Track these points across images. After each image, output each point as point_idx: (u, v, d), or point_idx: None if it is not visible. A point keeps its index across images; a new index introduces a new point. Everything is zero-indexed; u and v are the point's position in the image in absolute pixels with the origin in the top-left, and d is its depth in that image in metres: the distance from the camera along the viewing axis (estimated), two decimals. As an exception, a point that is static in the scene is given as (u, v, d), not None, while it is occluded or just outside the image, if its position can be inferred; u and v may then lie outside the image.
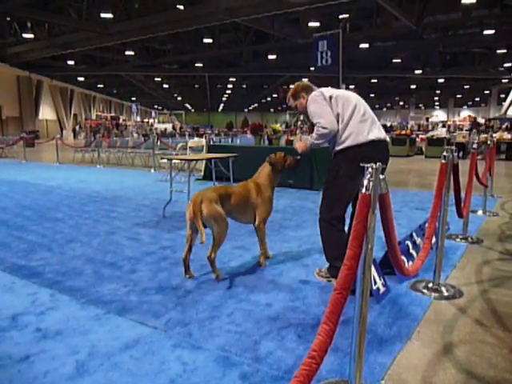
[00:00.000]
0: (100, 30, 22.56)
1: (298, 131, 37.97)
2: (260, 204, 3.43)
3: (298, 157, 3.60)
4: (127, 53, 28.96)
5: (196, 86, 47.71)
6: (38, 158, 16.60)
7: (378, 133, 3.05)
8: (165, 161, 8.58)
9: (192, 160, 5.20)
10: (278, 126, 8.68)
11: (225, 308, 2.73)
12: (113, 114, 51.67)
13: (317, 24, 19.91)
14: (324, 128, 2.97)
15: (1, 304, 2.82)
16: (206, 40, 25.86)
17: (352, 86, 35.29)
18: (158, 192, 7.46)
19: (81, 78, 39.57)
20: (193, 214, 3.07)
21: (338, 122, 3.01)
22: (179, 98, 57.53)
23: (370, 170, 1.70)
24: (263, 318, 2.59)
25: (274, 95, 50.33)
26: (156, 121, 45.34)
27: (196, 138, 11.62)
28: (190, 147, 8.74)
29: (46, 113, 38.21)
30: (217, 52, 28.59)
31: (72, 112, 42.18)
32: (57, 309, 2.75)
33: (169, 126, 39.80)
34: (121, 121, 47.84)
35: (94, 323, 2.55)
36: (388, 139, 3.18)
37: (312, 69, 9.75)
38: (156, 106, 64.36)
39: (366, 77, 36.03)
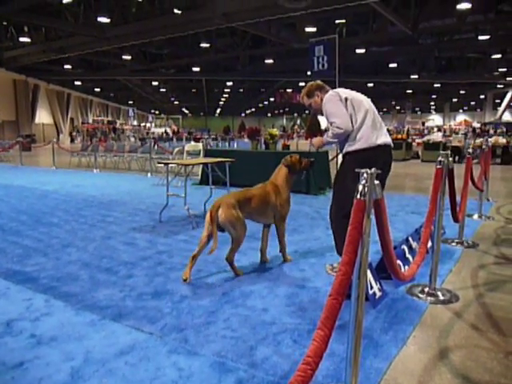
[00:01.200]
0: (97, 34, 22.58)
1: (294, 135, 38.08)
2: (279, 204, 3.60)
3: (312, 159, 3.81)
4: (124, 57, 28.99)
5: (193, 90, 47.77)
6: (34, 162, 16.56)
7: (384, 138, 3.25)
8: (161, 165, 8.58)
9: (188, 165, 5.19)
10: (274, 131, 8.69)
11: (221, 313, 2.72)
12: (110, 118, 51.62)
13: (313, 29, 20.02)
14: (339, 128, 3.14)
15: (-5, 310, 2.81)
16: (202, 44, 25.94)
17: (348, 91, 35.39)
18: (154, 196, 7.45)
19: (78, 82, 39.54)
20: (210, 219, 3.23)
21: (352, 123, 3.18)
22: (176, 102, 57.56)
23: (364, 175, 1.70)
24: (259, 323, 2.59)
25: (271, 99, 50.44)
26: (153, 125, 45.34)
27: (193, 143, 11.62)
28: (186, 151, 8.73)
29: (43, 117, 38.13)
30: (214, 56, 28.67)
31: (69, 116, 42.12)
32: (52, 315, 2.73)
33: (167, 130, 39.77)
34: (118, 125, 47.80)
35: (89, 329, 2.53)
36: (392, 144, 3.35)
37: (309, 73, 9.79)
38: (153, 110, 64.37)
39: (363, 81, 36.22)
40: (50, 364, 2.16)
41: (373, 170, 1.71)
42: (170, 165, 5.75)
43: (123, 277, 3.41)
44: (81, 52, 26.26)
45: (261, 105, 59.60)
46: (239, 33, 25.18)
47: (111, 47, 25.08)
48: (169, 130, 43.14)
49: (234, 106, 61.44)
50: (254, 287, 3.15)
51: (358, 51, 24.61)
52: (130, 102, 54.00)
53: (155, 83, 42.92)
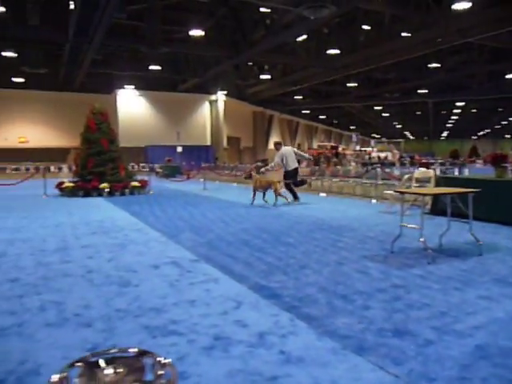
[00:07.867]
0: (326, 65, 24.06)
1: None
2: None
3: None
4: (349, 84, 29.99)
5: (417, 113, 45.76)
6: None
7: (295, 164, 10.58)
8: (390, 192, 8.37)
9: (427, 195, 4.86)
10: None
11: (476, 369, 2.36)
12: (332, 143, 53.89)
13: None
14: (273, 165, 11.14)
15: (250, 320, 3.12)
16: (431, 65, 24.63)
17: None
18: (382, 224, 7.26)
19: (305, 111, 42.87)
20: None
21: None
22: (398, 126, 56.15)
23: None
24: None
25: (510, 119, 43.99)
26: (375, 149, 45.08)
27: (422, 169, 10.99)
28: (416, 179, 8.29)
29: (275, 143, 42.61)
30: (443, 76, 26.89)
31: (296, 142, 45.97)
32: (297, 334, 2.87)
33: (389, 155, 38.77)
34: (340, 149, 49.41)
35: (331, 357, 2.55)
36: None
37: None
38: (373, 135, 64.31)
39: None
40: (300, 385, 2.24)
41: None
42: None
43: (360, 307, 3.36)
44: (311, 83, 28.43)
45: (497, 126, 52.67)
46: (475, 47, 22.96)
47: (338, 76, 26.31)
48: (389, 155, 42.05)
49: (464, 128, 56.04)
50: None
51: None
52: (352, 127, 55.26)
53: (378, 108, 42.89)
